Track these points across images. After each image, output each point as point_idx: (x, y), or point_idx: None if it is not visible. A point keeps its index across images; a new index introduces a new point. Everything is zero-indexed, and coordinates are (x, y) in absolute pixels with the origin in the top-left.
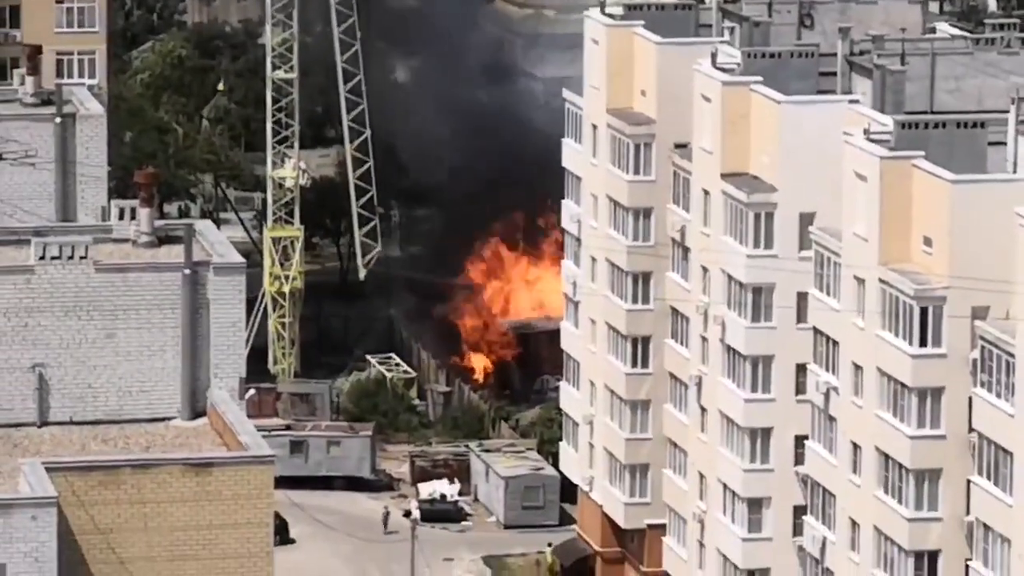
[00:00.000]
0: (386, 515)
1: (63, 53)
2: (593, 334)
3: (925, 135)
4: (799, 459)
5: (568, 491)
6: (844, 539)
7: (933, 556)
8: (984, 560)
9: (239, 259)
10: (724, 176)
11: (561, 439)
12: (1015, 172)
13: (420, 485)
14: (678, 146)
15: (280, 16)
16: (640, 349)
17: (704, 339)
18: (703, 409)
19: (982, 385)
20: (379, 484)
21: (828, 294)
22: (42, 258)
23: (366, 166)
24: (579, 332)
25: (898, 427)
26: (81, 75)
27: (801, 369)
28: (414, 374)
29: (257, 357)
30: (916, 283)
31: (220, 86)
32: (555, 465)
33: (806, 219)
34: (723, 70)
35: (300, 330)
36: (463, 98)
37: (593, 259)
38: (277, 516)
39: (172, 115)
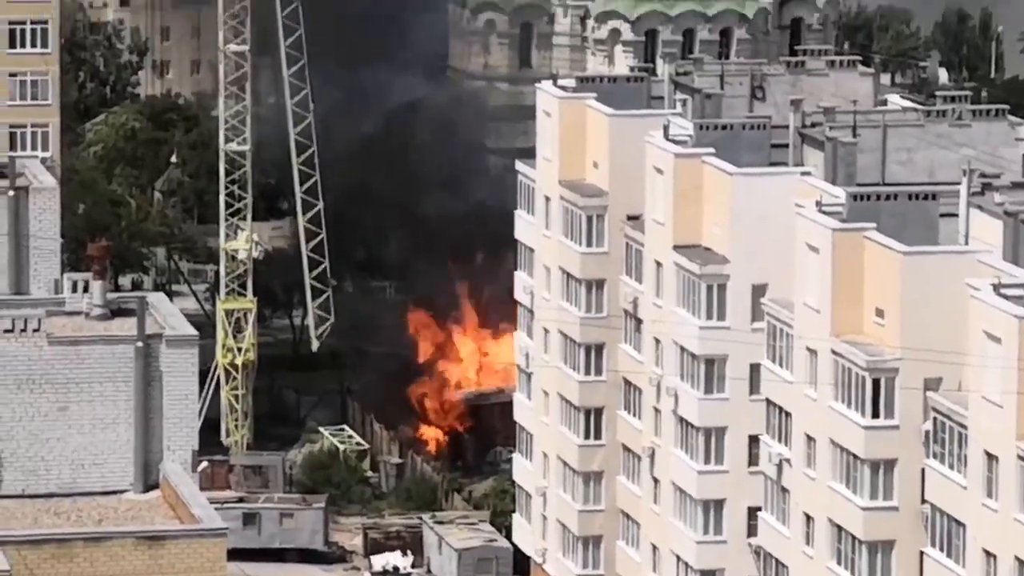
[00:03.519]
0: None
1: (16, 126)
2: (546, 406)
3: (877, 207)
4: (752, 531)
5: (521, 563)
6: None
7: None
8: None
9: (192, 331)
10: (677, 248)
11: (514, 511)
12: (966, 244)
13: (373, 557)
14: (631, 218)
15: (233, 88)
16: (593, 421)
17: (657, 410)
18: (656, 480)
19: (935, 456)
20: (332, 556)
21: (781, 365)
22: None
23: (319, 238)
24: (532, 404)
25: (851, 498)
26: (34, 148)
27: (754, 440)
28: (367, 446)
29: (210, 429)
30: (868, 354)
31: (173, 158)
32: (508, 537)
33: (758, 290)
34: (675, 142)
35: (253, 402)
36: (415, 169)
37: (546, 330)
38: None
39: (125, 188)
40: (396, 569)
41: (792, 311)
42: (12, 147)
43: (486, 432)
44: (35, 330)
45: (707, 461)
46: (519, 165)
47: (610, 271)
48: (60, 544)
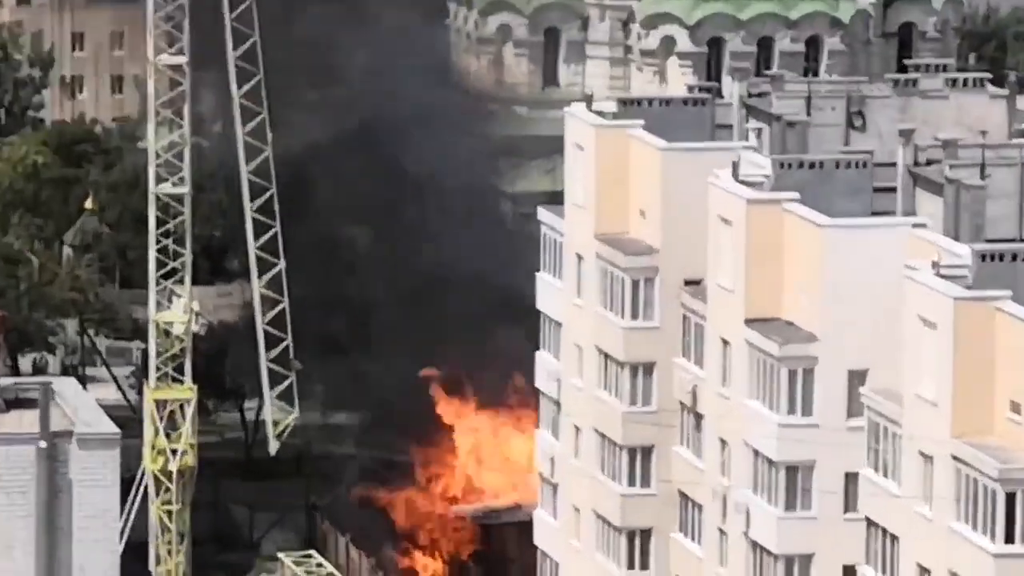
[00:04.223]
0: None
1: None
2: (577, 526)
3: (1013, 269)
4: None
5: None
6: None
7: None
8: None
9: (112, 428)
10: (749, 322)
11: None
12: None
13: None
14: (689, 283)
15: (167, 113)
16: (639, 546)
17: (723, 532)
18: None
19: None
20: None
21: (885, 475)
22: None
23: (279, 307)
24: (558, 524)
25: None
26: None
27: (850, 572)
28: None
29: (135, 555)
30: (1001, 461)
31: (88, 203)
32: None
33: (856, 378)
34: (748, 184)
35: (192, 521)
36: (405, 219)
37: (577, 428)
38: None
39: (25, 241)
40: None
41: (901, 405)
42: None
43: (498, 561)
44: None
45: None
46: (542, 214)
47: (662, 352)
48: None
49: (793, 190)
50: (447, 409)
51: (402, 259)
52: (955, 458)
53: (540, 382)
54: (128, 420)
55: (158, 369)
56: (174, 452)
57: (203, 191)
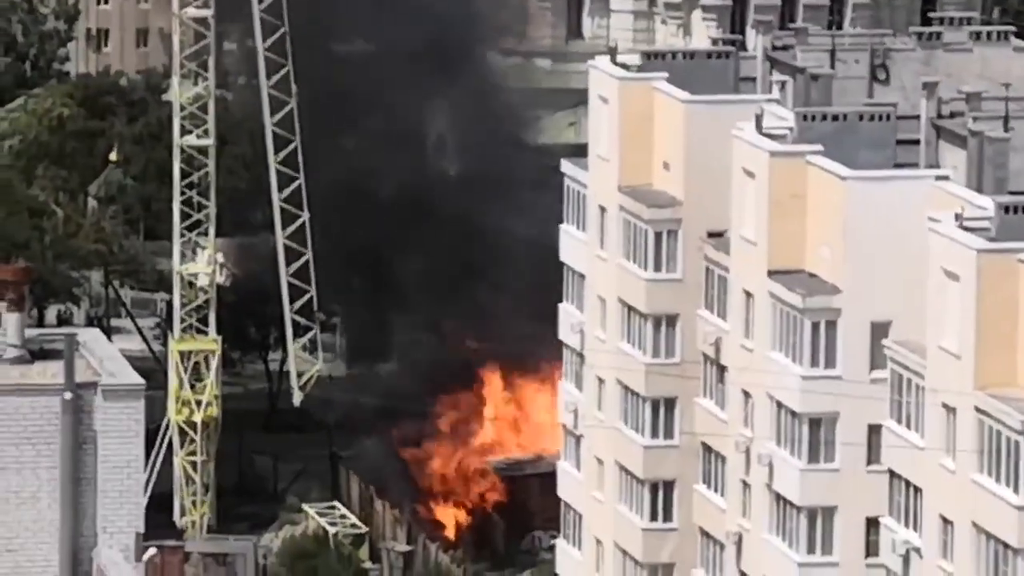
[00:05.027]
0: None
1: None
2: (600, 478)
3: None
4: None
5: None
6: None
7: None
8: None
9: (136, 379)
10: (772, 274)
11: None
12: None
13: None
14: (712, 235)
15: (191, 66)
16: (662, 497)
17: (746, 484)
18: None
19: None
20: None
21: (908, 427)
22: None
23: (303, 259)
24: (581, 475)
25: None
26: None
27: (873, 524)
28: (365, 529)
29: (160, 507)
30: (1023, 413)
31: (113, 155)
32: None
33: (879, 330)
34: (771, 136)
35: (216, 472)
36: (429, 172)
37: (600, 380)
38: None
39: (50, 193)
40: None
41: (924, 356)
42: None
43: (521, 511)
44: None
45: (811, 551)
46: (566, 166)
47: (685, 304)
48: None
49: (816, 143)
50: (473, 361)
51: (428, 210)
52: (978, 410)
53: (563, 334)
54: (153, 372)
55: (183, 320)
56: (198, 403)
57: (227, 143)
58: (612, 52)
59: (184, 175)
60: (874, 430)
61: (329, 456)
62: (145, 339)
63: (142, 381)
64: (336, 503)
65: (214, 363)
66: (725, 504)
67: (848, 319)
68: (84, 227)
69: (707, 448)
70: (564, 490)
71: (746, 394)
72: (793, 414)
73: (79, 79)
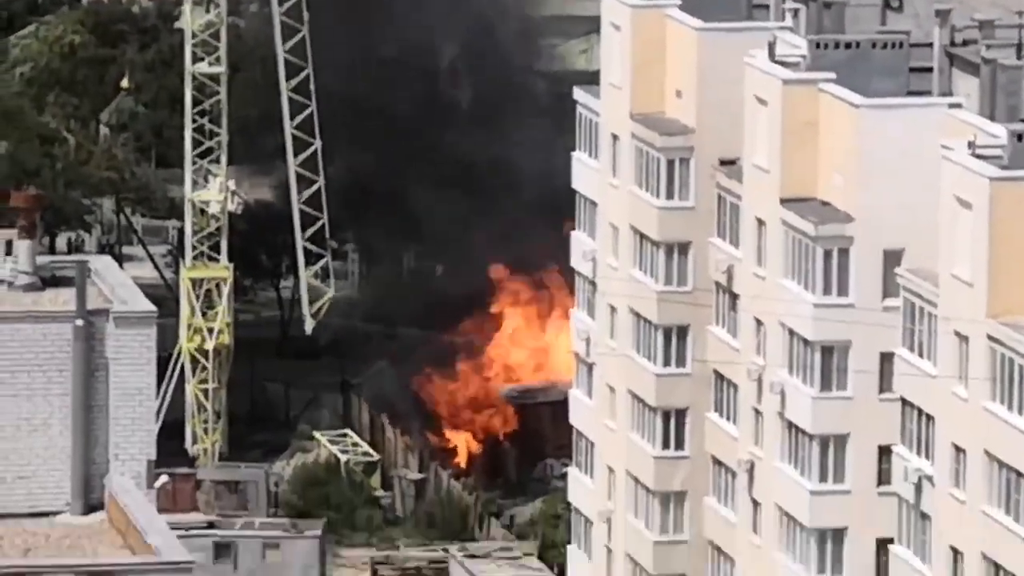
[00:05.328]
0: None
1: None
2: (612, 406)
3: None
4: (882, 569)
5: None
6: None
7: None
8: None
9: (148, 306)
10: (785, 202)
11: (570, 541)
12: None
13: None
14: (724, 163)
15: None
16: (674, 425)
17: (758, 412)
18: (756, 504)
19: None
20: None
21: (921, 355)
22: None
23: (315, 186)
24: (593, 403)
25: (1014, 529)
26: None
27: (885, 452)
28: (377, 456)
29: (172, 434)
30: None
31: (124, 83)
32: (561, 575)
33: (892, 258)
34: (784, 64)
35: (228, 399)
36: (441, 100)
37: (612, 308)
38: None
39: (61, 120)
40: None
41: (936, 285)
42: None
43: (533, 439)
44: None
45: (823, 479)
46: (578, 94)
47: (697, 232)
48: None
49: (829, 70)
50: (486, 288)
51: (440, 139)
52: (990, 338)
53: (575, 262)
54: (164, 299)
55: (194, 248)
56: (210, 331)
57: (239, 71)
58: None
59: (196, 102)
60: (886, 358)
61: (341, 384)
62: (157, 266)
63: (154, 308)
64: (348, 431)
65: (226, 290)
66: (737, 432)
67: (860, 247)
68: (95, 154)
69: (719, 376)
70: (576, 418)
71: (758, 322)
72: (805, 342)
73: (90, 6)
